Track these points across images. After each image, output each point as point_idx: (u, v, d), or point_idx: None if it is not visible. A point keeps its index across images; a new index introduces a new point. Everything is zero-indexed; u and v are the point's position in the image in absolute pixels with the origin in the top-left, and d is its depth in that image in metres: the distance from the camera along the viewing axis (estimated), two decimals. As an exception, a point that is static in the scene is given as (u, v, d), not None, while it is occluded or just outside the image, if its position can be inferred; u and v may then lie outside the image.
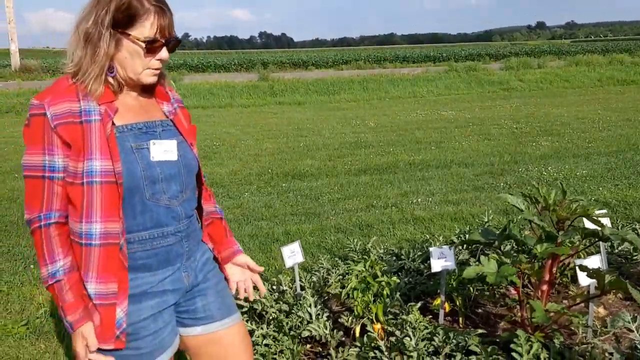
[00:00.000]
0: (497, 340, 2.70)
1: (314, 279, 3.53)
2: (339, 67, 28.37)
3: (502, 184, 6.63)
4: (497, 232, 2.80)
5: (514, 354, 2.34)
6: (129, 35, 1.55)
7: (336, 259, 4.06)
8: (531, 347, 2.40)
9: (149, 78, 1.64)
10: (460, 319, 3.10)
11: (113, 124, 1.57)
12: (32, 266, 4.39)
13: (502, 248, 2.91)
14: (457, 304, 3.13)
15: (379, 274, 2.88)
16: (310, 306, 3.02)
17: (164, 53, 1.61)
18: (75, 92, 1.55)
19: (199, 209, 1.88)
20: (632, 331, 2.28)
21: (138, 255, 1.63)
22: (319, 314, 2.99)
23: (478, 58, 30.95)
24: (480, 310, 3.24)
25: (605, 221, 3.26)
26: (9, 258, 4.60)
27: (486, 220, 3.87)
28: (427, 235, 4.37)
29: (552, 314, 2.50)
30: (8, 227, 5.47)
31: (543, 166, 7.46)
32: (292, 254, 3.21)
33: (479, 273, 2.40)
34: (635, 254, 3.79)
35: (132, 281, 1.62)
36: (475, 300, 3.28)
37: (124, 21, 1.54)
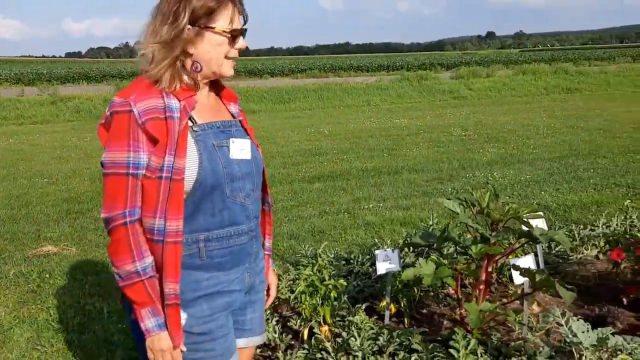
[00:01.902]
0: (439, 338, 2.82)
1: (265, 284, 3.59)
2: (294, 75, 28.52)
3: (449, 189, 6.83)
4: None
5: (451, 350, 2.46)
6: (213, 27, 1.57)
7: (287, 264, 4.12)
8: (468, 343, 2.52)
9: (230, 70, 1.65)
10: (406, 319, 3.21)
11: (191, 119, 1.59)
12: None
13: (443, 250, 3.03)
14: (403, 305, 3.24)
15: (327, 277, 2.97)
16: (260, 311, 3.08)
17: (242, 42, 1.64)
18: (158, 90, 1.56)
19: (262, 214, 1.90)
20: (562, 325, 2.43)
21: (215, 254, 1.64)
22: (268, 319, 3.05)
23: (430, 67, 31.65)
24: (425, 311, 3.36)
25: (541, 223, 3.44)
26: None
27: (431, 223, 4.01)
28: (376, 240, 4.49)
29: (486, 313, 2.63)
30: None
31: (489, 172, 7.72)
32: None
33: (416, 274, 2.51)
34: (571, 254, 4.00)
35: (207, 280, 1.64)
36: (420, 301, 3.40)
37: (204, 15, 1.56)
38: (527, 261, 2.80)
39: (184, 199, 1.55)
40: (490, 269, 2.76)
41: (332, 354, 2.71)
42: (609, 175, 7.29)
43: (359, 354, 2.66)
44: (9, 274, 4.37)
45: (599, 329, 2.38)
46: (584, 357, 2.29)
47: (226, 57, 1.63)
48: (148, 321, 1.55)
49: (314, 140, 11.15)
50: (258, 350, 3.01)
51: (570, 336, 2.35)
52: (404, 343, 2.73)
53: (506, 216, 2.67)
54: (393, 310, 3.23)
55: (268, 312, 3.07)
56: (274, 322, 3.03)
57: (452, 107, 17.57)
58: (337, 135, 11.78)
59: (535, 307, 3.10)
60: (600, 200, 5.98)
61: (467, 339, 2.56)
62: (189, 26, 1.55)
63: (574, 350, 2.32)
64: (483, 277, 2.76)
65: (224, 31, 1.59)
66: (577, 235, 4.13)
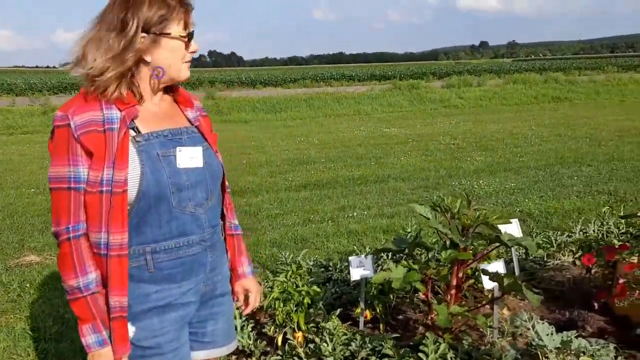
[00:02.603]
0: (411, 343, 2.85)
1: (243, 291, 3.61)
2: (287, 85, 28.62)
3: (435, 197, 6.87)
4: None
5: (420, 354, 2.49)
6: (169, 34, 1.57)
7: (267, 272, 4.14)
8: (438, 347, 2.55)
9: (187, 72, 1.65)
10: (381, 325, 3.23)
11: (134, 129, 1.57)
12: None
13: (415, 255, 3.07)
14: (378, 311, 3.26)
15: (300, 284, 3.00)
16: (235, 318, 3.10)
17: (194, 44, 1.64)
18: (99, 102, 1.54)
19: (223, 219, 1.86)
20: (529, 329, 2.47)
21: (164, 266, 1.61)
22: (243, 326, 3.07)
23: (422, 77, 31.81)
24: (401, 317, 3.39)
25: (514, 229, 3.48)
26: None
27: (409, 230, 4.04)
28: (355, 247, 4.52)
29: (457, 316, 2.67)
30: None
31: (475, 180, 7.77)
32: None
33: (386, 279, 2.54)
34: (548, 260, 4.04)
35: (157, 293, 1.61)
36: (396, 307, 3.43)
37: (158, 22, 1.55)
38: (497, 266, 2.84)
39: (127, 211, 1.54)
40: (460, 274, 2.80)
41: (305, 360, 2.74)
42: (592, 182, 7.35)
43: (331, 358, 2.69)
44: (-12, 284, 4.37)
45: (564, 332, 2.41)
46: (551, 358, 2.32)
47: (183, 61, 1.64)
48: (89, 337, 1.54)
49: (303, 149, 11.19)
50: (234, 357, 3.03)
51: (536, 339, 2.38)
52: (376, 348, 2.76)
53: (476, 222, 2.70)
54: (369, 316, 3.26)
55: (244, 319, 3.09)
56: (249, 329, 3.05)
57: (442, 115, 17.65)
58: (326, 144, 11.83)
59: (506, 312, 3.14)
60: (581, 207, 6.03)
61: (438, 343, 2.59)
62: (143, 34, 1.54)
63: (539, 353, 2.36)
64: (454, 282, 2.80)
65: (180, 36, 1.59)
66: (554, 241, 4.17)
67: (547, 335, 2.31)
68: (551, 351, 2.29)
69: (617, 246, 3.19)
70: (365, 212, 6.28)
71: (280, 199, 7.05)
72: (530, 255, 4.02)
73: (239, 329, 3.04)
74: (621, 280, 2.98)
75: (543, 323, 2.40)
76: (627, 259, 3.10)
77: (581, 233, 4.27)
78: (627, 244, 3.14)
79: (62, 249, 1.53)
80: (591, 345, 2.33)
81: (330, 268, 3.94)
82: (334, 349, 2.72)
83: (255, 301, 2.00)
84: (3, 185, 8.30)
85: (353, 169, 8.92)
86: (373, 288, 3.27)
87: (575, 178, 7.65)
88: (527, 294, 2.49)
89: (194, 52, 1.66)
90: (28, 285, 4.34)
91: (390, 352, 2.66)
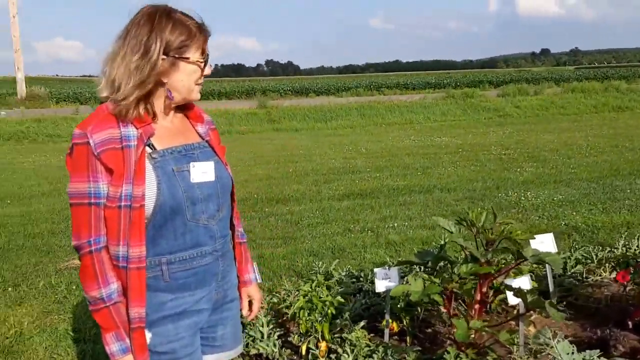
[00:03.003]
0: (434, 357, 2.83)
1: (275, 300, 3.67)
2: (339, 94, 28.71)
3: (479, 209, 6.74)
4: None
5: (439, 368, 2.48)
6: (188, 58, 1.64)
7: (300, 281, 4.19)
8: (459, 362, 2.53)
9: (198, 94, 1.73)
10: (408, 338, 3.22)
11: (149, 146, 1.63)
12: (9, 289, 4.56)
13: (438, 269, 3.05)
14: (405, 323, 3.26)
15: (324, 294, 3.03)
16: (262, 325, 3.16)
17: (208, 68, 1.72)
18: (116, 119, 1.60)
19: (232, 228, 1.93)
20: (552, 347, 2.41)
21: (179, 275, 1.68)
22: (270, 334, 3.12)
23: (478, 85, 31.27)
24: (429, 330, 3.37)
25: (550, 243, 3.41)
26: (-10, 281, 4.77)
27: (442, 242, 4.00)
28: (388, 259, 4.50)
29: (480, 332, 2.63)
30: (-6, 251, 5.65)
31: (523, 192, 7.60)
32: (248, 276, 3.35)
33: (405, 291, 2.54)
34: (588, 276, 3.92)
35: (172, 301, 1.69)
36: (425, 320, 3.41)
37: (179, 46, 1.62)
38: (522, 282, 2.78)
39: (145, 225, 1.60)
40: (484, 289, 2.76)
41: (325, 370, 2.76)
42: (646, 196, 7.07)
43: (351, 370, 2.70)
44: (38, 285, 4.60)
45: (588, 351, 2.35)
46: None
47: (196, 83, 1.71)
48: (113, 345, 1.61)
49: (350, 158, 11.22)
50: (260, 364, 3.09)
51: (558, 358, 2.33)
52: (397, 361, 2.75)
53: (500, 236, 2.67)
54: (396, 328, 3.25)
55: (270, 327, 3.14)
56: (275, 337, 3.10)
57: (496, 125, 17.33)
58: (373, 153, 11.82)
59: (532, 329, 3.07)
60: (631, 221, 5.81)
61: (460, 357, 2.57)
62: (163, 56, 1.61)
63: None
64: (478, 296, 2.76)
65: (197, 61, 1.67)
66: (594, 256, 4.04)
67: (568, 354, 2.25)
68: (571, 371, 2.23)
69: (654, 264, 3.07)
70: (406, 223, 6.24)
71: (322, 208, 7.09)
72: (568, 271, 3.92)
73: (265, 336, 3.10)
74: (658, 300, 2.87)
75: (564, 341, 2.34)
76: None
77: (624, 248, 4.12)
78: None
79: (84, 262, 1.61)
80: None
81: (361, 279, 3.94)
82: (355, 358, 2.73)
83: (257, 308, 2.06)
84: (61, 190, 8.68)
85: (398, 178, 8.87)
86: (400, 300, 3.27)
87: (629, 191, 7.36)
88: (550, 311, 2.43)
89: (207, 75, 1.73)
90: (74, 287, 4.53)
91: (411, 365, 2.66)
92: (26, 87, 26.49)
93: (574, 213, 6.36)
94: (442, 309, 2.92)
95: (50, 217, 7.02)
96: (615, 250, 4.14)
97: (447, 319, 3.22)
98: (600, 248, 4.22)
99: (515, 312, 3.20)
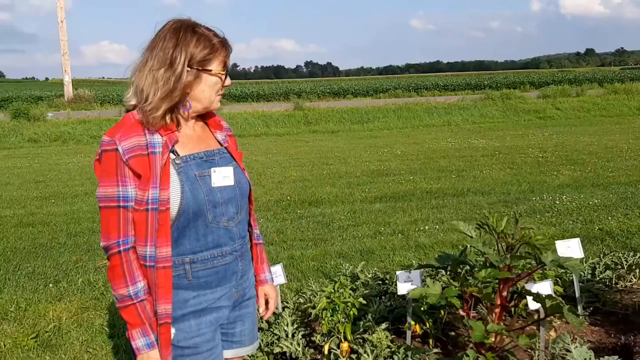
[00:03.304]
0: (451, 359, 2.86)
1: (301, 300, 3.75)
2: (377, 95, 28.65)
3: (512, 212, 6.71)
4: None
5: (456, 370, 2.51)
6: (210, 70, 1.75)
7: (326, 282, 4.26)
8: (477, 365, 2.56)
9: (218, 104, 1.84)
10: (430, 340, 3.26)
11: (173, 152, 1.73)
12: (50, 285, 4.77)
13: (458, 272, 3.08)
14: (428, 326, 3.29)
15: (347, 295, 3.09)
16: (287, 325, 3.25)
17: (228, 80, 1.84)
18: (142, 127, 1.70)
19: (249, 229, 2.03)
20: (569, 352, 2.42)
21: (201, 274, 1.78)
22: (294, 333, 3.21)
23: (519, 86, 30.74)
24: (452, 334, 3.40)
25: (576, 248, 3.40)
26: (32, 277, 5.00)
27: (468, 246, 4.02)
28: (413, 261, 4.53)
29: (499, 335, 2.65)
30: (37, 249, 5.90)
31: (558, 195, 7.50)
32: (275, 276, 3.44)
33: (423, 294, 2.58)
34: (618, 281, 3.88)
35: (194, 299, 1.79)
36: (449, 323, 3.44)
37: (202, 59, 1.72)
38: (542, 286, 2.79)
39: (170, 227, 1.70)
40: (505, 294, 2.78)
41: (346, 369, 2.83)
42: (687, 201, 6.90)
43: (371, 370, 2.76)
44: (77, 282, 4.79)
45: (607, 357, 2.35)
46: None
47: (217, 94, 1.82)
48: (138, 340, 1.70)
49: (385, 160, 11.24)
50: (285, 363, 3.17)
51: (574, 363, 2.34)
52: (417, 362, 2.80)
53: (520, 241, 2.68)
54: (419, 331, 3.29)
55: (294, 326, 3.23)
56: (299, 336, 3.18)
57: (535, 127, 17.08)
58: (409, 155, 11.81)
59: (553, 333, 3.06)
60: (668, 227, 5.69)
61: (477, 361, 2.60)
62: (187, 69, 1.71)
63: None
64: (498, 301, 2.78)
65: (219, 73, 1.77)
66: (624, 262, 4.00)
67: (585, 359, 2.26)
68: (587, 376, 2.24)
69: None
70: (437, 227, 6.24)
71: (354, 211, 7.15)
72: (597, 277, 3.88)
73: (289, 335, 3.18)
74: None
75: (582, 346, 2.35)
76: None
77: (657, 255, 4.06)
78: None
79: (112, 261, 1.72)
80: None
81: (387, 281, 3.99)
82: (375, 358, 2.79)
83: (273, 306, 2.15)
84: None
85: (432, 181, 8.86)
86: (424, 303, 3.31)
87: (669, 196, 7.20)
88: (568, 316, 2.44)
89: (228, 86, 1.84)
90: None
91: (429, 367, 2.70)
92: (73, 89, 27.33)
93: (609, 218, 6.26)
94: (462, 312, 2.94)
95: (92, 216, 7.27)
96: (647, 256, 4.09)
97: (467, 323, 3.24)
98: (632, 254, 4.16)
99: (535, 317, 3.20)
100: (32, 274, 5.09)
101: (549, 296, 2.58)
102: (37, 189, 9.29)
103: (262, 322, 3.31)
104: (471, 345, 3.20)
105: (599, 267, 3.95)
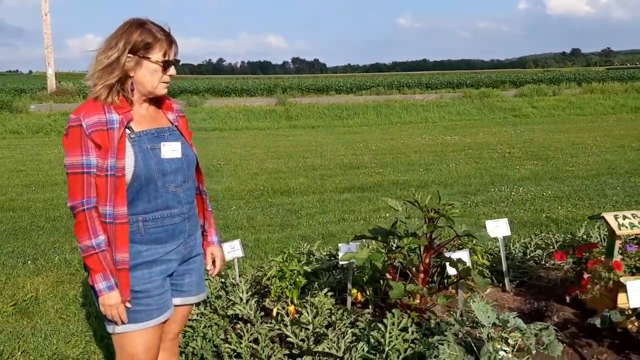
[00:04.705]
0: (383, 319, 3.25)
1: (259, 273, 4.13)
2: (359, 92, 29.04)
3: (469, 202, 7.13)
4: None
5: (380, 324, 2.90)
6: (150, 58, 2.08)
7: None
8: (400, 321, 2.95)
9: (163, 90, 2.20)
10: (370, 306, 3.64)
11: (129, 128, 2.07)
12: (29, 262, 5.10)
13: (387, 242, 3.47)
14: (368, 294, 3.68)
15: (294, 265, 3.47)
16: (242, 292, 3.61)
17: (173, 70, 2.19)
18: (102, 107, 2.04)
19: (201, 196, 2.41)
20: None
21: (152, 231, 2.13)
22: (249, 299, 3.57)
23: (500, 85, 31.24)
24: (392, 302, 3.78)
25: (504, 227, 3.79)
26: (12, 256, 5.32)
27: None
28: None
29: (418, 295, 3.05)
30: (17, 231, 6.21)
31: (515, 188, 7.94)
32: (233, 250, 3.81)
33: (351, 258, 2.97)
34: (548, 260, 4.29)
35: (146, 251, 2.13)
36: (387, 292, 3.82)
37: (143, 48, 2.05)
38: (461, 255, 3.19)
39: (125, 190, 2.06)
40: (428, 260, 3.18)
41: (289, 327, 3.20)
42: (635, 193, 7.35)
43: (310, 326, 3.14)
44: (54, 260, 5.13)
45: (506, 313, 2.75)
46: (484, 333, 2.66)
47: (160, 81, 2.17)
48: (100, 283, 2.06)
49: (359, 154, 11.63)
50: (239, 325, 3.54)
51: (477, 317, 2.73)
52: (351, 321, 3.18)
53: (439, 215, 3.08)
54: (360, 298, 3.67)
55: (249, 294, 3.60)
56: (252, 302, 3.55)
57: (510, 125, 17.55)
58: (382, 150, 12.21)
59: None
60: (609, 215, 6.12)
61: (401, 318, 2.99)
62: (129, 55, 2.08)
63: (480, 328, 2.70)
64: (422, 267, 3.18)
65: (158, 61, 2.12)
66: (555, 243, 4.41)
67: (483, 312, 2.65)
68: (484, 326, 2.63)
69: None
70: (398, 213, 6.63)
71: (322, 200, 7.53)
72: (528, 255, 4.29)
73: (244, 301, 3.55)
74: (586, 275, 3.24)
75: (481, 302, 2.74)
76: (596, 257, 3.36)
77: (584, 236, 4.48)
78: (596, 243, 3.39)
79: (77, 218, 2.07)
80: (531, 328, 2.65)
81: (337, 257, 4.37)
82: (314, 318, 3.17)
83: (219, 265, 2.54)
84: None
85: (400, 174, 9.27)
86: (365, 274, 3.69)
87: (619, 188, 7.66)
88: (475, 278, 2.85)
89: (171, 75, 2.19)
90: (86, 262, 5.05)
91: (360, 324, 3.08)
92: (56, 82, 27.43)
93: (559, 207, 6.70)
94: (388, 276, 3.33)
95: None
96: (575, 238, 4.50)
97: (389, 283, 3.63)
98: (563, 235, 4.58)
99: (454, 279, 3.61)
100: (11, 253, 5.41)
101: (460, 261, 2.98)
102: (19, 177, 9.56)
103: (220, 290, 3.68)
104: (402, 309, 3.59)
105: (530, 247, 4.36)
